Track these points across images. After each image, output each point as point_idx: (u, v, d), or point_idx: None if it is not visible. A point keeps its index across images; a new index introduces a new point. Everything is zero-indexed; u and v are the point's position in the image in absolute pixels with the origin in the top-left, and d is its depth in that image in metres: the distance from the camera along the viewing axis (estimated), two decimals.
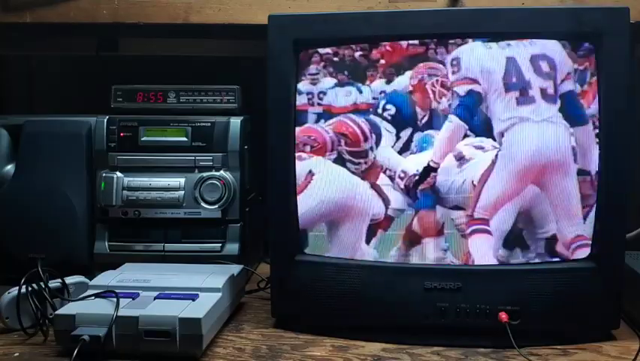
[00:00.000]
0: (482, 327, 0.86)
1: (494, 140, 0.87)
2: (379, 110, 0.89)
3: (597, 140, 0.85)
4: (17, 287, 0.89)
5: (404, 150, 0.89)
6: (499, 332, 0.84)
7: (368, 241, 0.91)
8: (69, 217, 1.10)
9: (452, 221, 0.89)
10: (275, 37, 0.90)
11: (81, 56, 1.43)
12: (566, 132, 0.86)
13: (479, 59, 0.87)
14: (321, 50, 0.90)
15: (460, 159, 0.88)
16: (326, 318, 0.90)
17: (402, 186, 0.89)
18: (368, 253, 0.91)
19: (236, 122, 1.11)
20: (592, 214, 0.86)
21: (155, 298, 0.87)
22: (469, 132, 0.88)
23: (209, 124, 1.11)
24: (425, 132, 0.89)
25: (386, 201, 0.90)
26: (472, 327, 0.86)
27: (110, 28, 1.19)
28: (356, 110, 0.90)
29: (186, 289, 0.90)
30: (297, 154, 0.90)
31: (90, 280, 0.95)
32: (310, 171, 0.91)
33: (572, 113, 0.86)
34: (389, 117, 0.89)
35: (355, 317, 0.89)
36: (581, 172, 0.87)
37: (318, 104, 0.91)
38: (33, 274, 0.90)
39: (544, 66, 0.86)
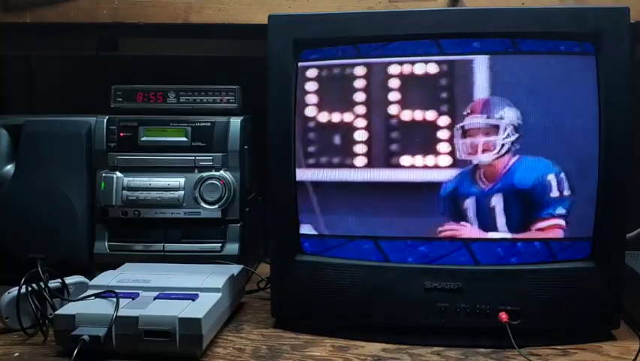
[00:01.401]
0: (482, 327, 0.86)
1: None
2: None
3: None
4: (17, 287, 0.89)
5: None
6: (499, 332, 0.84)
7: None
8: (69, 217, 1.10)
9: None
10: (275, 37, 0.90)
11: (81, 56, 1.43)
12: None
13: None
14: None
15: None
16: (326, 318, 0.90)
17: None
18: None
19: (236, 122, 1.11)
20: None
21: (155, 298, 0.87)
22: None
23: (209, 124, 1.11)
24: None
25: None
26: (472, 327, 0.86)
27: (110, 28, 1.19)
28: None
29: (186, 289, 0.90)
30: None
31: (90, 280, 0.95)
32: None
33: None
34: None
35: (355, 317, 0.89)
36: None
37: None
38: (33, 274, 0.90)
39: None
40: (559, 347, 0.85)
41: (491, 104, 0.87)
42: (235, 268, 1.00)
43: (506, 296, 0.86)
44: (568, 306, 0.86)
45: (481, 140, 0.87)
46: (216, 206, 1.10)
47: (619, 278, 0.86)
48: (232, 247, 1.11)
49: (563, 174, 0.86)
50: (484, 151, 0.87)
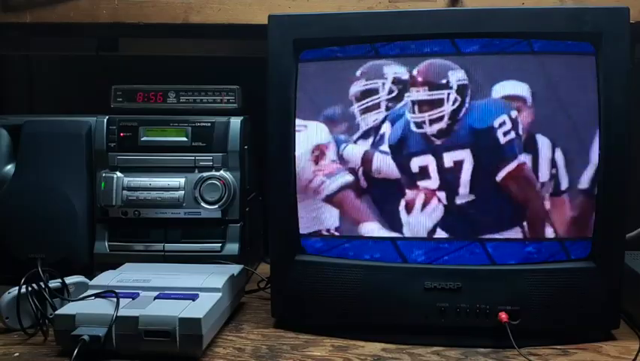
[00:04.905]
0: (482, 327, 0.86)
1: None
2: None
3: None
4: (17, 287, 0.89)
5: None
6: (499, 332, 0.84)
7: None
8: (69, 217, 1.10)
9: None
10: (275, 37, 0.90)
11: (81, 56, 1.43)
12: None
13: None
14: None
15: None
16: (326, 318, 0.90)
17: None
18: None
19: (236, 122, 1.11)
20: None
21: (155, 298, 0.87)
22: None
23: (209, 124, 1.11)
24: None
25: None
26: (472, 327, 0.86)
27: (110, 28, 1.19)
28: None
29: (186, 289, 0.90)
30: None
31: (90, 280, 0.95)
32: None
33: None
34: None
35: (355, 316, 0.89)
36: None
37: None
38: (33, 274, 0.91)
39: None
40: (559, 347, 0.85)
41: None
42: (235, 268, 1.01)
43: (506, 296, 0.86)
44: (568, 306, 0.86)
45: None
46: (216, 206, 1.10)
47: (619, 278, 0.86)
48: (232, 247, 1.11)
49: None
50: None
